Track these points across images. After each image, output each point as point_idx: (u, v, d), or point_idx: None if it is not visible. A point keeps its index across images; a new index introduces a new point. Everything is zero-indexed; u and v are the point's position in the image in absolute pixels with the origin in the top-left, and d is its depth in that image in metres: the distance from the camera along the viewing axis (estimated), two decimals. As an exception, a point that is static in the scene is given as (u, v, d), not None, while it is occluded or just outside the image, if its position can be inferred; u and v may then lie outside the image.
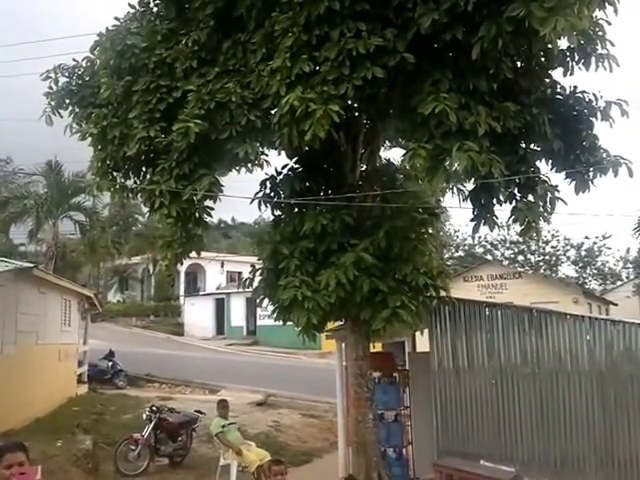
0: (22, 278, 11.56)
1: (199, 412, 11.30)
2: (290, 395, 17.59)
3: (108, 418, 13.42)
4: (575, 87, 8.56)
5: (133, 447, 9.77)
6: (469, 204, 8.67)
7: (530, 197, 8.22)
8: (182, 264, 10.05)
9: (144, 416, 10.50)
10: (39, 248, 31.64)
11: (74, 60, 9.55)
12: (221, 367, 23.51)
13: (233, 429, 9.73)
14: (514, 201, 8.29)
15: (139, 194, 9.10)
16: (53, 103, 9.24)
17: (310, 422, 14.82)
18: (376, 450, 9.04)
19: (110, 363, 19.81)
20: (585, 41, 7.64)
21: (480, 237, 42.60)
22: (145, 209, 10.22)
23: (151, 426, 10.06)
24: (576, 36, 6.32)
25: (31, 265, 12.70)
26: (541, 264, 43.33)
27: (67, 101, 9.33)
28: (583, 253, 44.80)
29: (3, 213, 28.11)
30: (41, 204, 27.27)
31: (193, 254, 9.48)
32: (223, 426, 9.51)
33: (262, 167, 8.66)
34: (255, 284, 9.34)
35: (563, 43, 7.33)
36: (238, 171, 8.83)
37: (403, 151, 8.34)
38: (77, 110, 9.34)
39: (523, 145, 8.34)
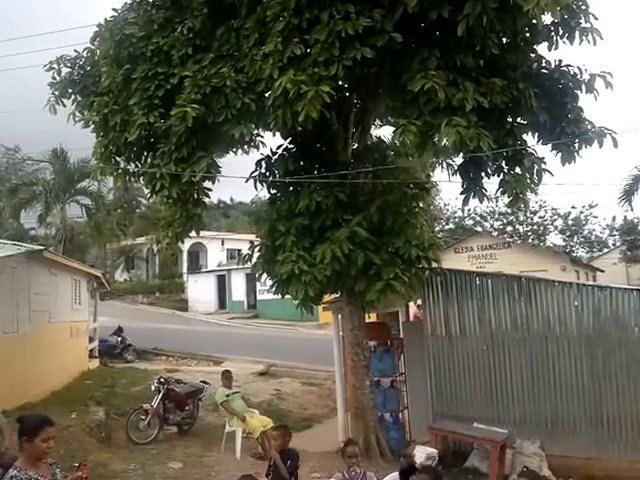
0: (34, 260, 11.73)
1: (204, 382, 11.51)
2: (290, 365, 17.80)
3: (119, 390, 13.66)
4: (560, 61, 8.64)
5: (143, 417, 10.02)
6: (458, 178, 8.91)
7: (517, 169, 8.40)
8: (183, 242, 10.25)
9: (153, 387, 10.73)
10: (48, 232, 31.98)
11: (75, 51, 9.77)
12: (224, 340, 23.72)
13: (237, 398, 9.94)
14: (502, 174, 8.48)
15: (141, 177, 9.34)
16: (57, 93, 9.43)
17: (310, 390, 15.03)
18: (374, 415, 9.44)
19: (119, 338, 19.99)
20: (569, 15, 7.72)
21: (469, 209, 43.12)
22: (147, 192, 10.46)
23: (160, 397, 10.28)
24: (560, 11, 6.44)
25: (42, 248, 12.73)
26: (529, 234, 43.68)
27: (70, 90, 9.52)
28: (570, 222, 45.04)
29: (13, 199, 28.57)
30: (49, 190, 27.68)
31: (194, 233, 9.73)
32: (227, 395, 9.72)
33: (258, 148, 8.85)
34: (254, 260, 9.65)
35: (547, 18, 7.37)
36: (235, 153, 9.01)
37: (393, 129, 8.48)
38: (79, 99, 9.54)
39: (510, 119, 8.47)
